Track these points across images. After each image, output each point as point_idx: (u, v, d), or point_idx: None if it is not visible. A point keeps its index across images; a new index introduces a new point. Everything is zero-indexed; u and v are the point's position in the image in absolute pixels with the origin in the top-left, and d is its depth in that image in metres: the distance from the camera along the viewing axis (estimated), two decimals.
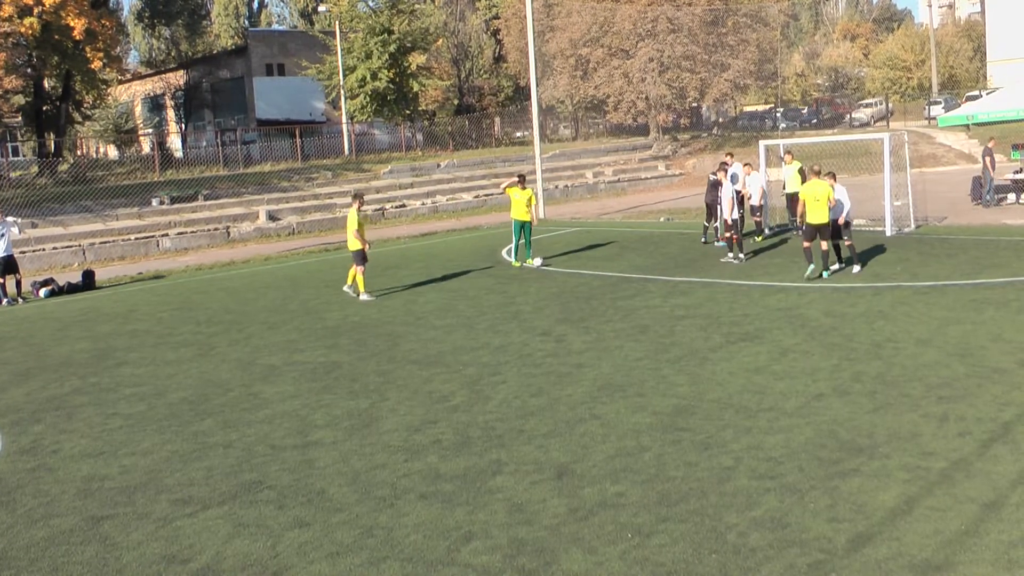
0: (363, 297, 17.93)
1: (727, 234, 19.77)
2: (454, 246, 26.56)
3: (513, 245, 21.41)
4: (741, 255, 19.45)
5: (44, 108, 46.37)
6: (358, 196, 18.64)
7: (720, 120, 67.67)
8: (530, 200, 21.12)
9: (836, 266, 17.45)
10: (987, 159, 26.67)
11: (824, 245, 16.82)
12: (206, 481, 8.50)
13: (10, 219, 22.08)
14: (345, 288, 18.35)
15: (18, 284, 21.47)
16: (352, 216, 18.00)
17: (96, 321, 17.84)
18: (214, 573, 6.66)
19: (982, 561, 6.08)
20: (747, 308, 14.63)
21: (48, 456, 9.57)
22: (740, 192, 21.20)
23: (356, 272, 18.03)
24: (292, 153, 44.80)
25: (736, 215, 19.68)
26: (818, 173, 16.86)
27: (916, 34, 77.17)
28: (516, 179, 21.56)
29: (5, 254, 21.20)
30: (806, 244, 16.94)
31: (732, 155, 24.16)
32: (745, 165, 22.82)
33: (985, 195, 26.80)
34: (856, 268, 17.26)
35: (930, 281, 15.85)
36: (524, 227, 21.05)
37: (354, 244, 17.91)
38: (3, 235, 21.37)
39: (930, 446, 8.15)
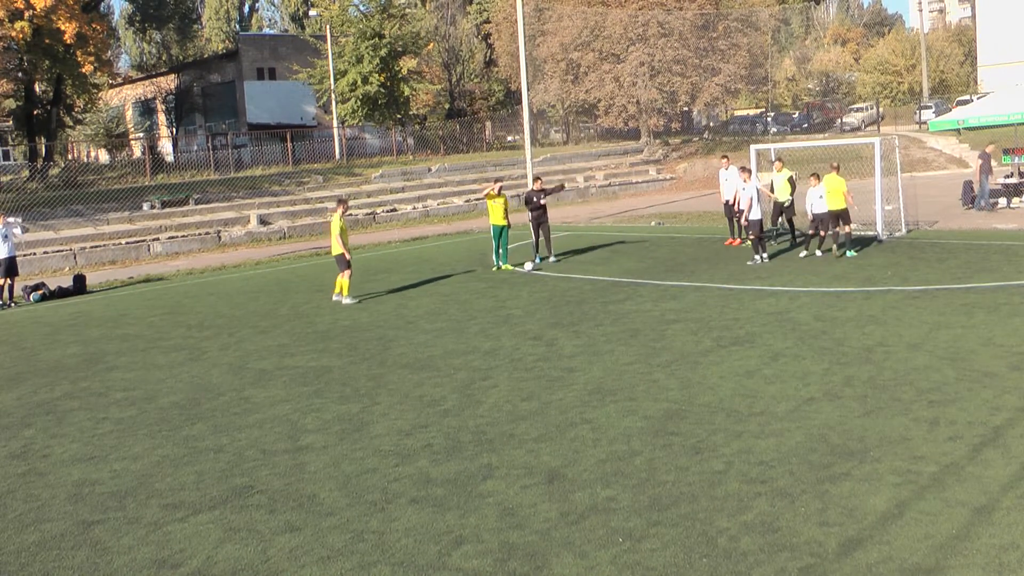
0: (346, 300, 17.99)
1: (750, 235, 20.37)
2: (445, 250, 26.55)
3: (494, 250, 21.47)
4: (756, 257, 19.83)
5: (35, 112, 46.28)
6: (342, 201, 18.97)
7: (711, 124, 67.80)
8: (506, 205, 21.24)
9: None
10: (982, 163, 26.45)
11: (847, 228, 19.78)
12: (197, 486, 8.48)
13: (11, 219, 21.75)
14: (335, 298, 18.36)
15: (10, 288, 21.34)
16: (335, 221, 18.13)
17: (87, 325, 17.79)
18: None
19: (973, 565, 6.09)
20: (738, 312, 14.65)
21: (38, 460, 9.54)
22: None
23: (340, 276, 18.16)
24: (283, 157, 44.74)
25: (756, 216, 19.77)
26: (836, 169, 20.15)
27: (907, 39, 77.40)
28: (494, 185, 21.64)
29: (8, 255, 21.09)
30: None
31: (728, 158, 24.15)
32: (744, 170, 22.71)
33: (979, 200, 26.55)
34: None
35: (921, 285, 15.89)
36: (503, 232, 21.16)
37: (337, 249, 18.03)
38: (5, 236, 21.27)
39: (921, 450, 8.17)
